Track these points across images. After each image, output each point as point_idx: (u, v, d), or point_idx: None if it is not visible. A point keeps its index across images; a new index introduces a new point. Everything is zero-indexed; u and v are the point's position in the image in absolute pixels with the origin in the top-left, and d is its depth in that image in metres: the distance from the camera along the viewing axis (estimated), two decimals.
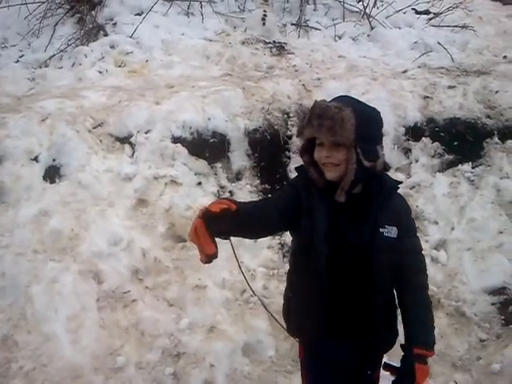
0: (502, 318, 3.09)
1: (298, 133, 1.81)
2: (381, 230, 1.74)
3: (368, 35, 5.50)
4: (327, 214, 1.73)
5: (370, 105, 1.82)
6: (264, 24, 5.39)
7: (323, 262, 1.73)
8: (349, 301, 1.76)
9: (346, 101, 1.72)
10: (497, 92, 4.21)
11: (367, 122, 1.71)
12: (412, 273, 1.81)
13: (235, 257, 3.06)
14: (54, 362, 2.57)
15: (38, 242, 2.97)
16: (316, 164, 1.75)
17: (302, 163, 1.83)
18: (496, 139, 3.98)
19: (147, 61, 4.72)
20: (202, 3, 5.57)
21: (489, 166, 3.86)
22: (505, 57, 5.02)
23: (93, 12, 5.39)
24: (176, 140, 3.72)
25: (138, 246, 3.10)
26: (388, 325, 1.86)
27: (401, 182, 1.90)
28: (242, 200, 3.76)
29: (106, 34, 5.15)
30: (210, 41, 5.22)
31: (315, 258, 1.74)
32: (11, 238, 2.96)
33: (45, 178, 3.34)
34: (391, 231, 1.75)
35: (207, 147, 3.81)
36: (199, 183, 3.61)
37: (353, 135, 1.65)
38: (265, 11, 5.39)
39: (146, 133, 3.69)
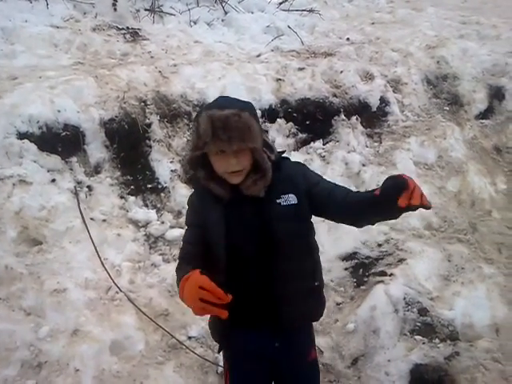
0: (354, 280, 3.29)
1: (197, 148, 1.67)
2: (277, 201, 1.73)
3: (222, 20, 5.56)
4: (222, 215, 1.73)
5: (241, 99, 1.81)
6: (115, 10, 5.19)
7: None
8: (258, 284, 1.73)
9: (233, 104, 1.67)
10: (341, 72, 4.51)
11: (258, 118, 1.74)
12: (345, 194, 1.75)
13: (97, 254, 2.96)
14: None
15: None
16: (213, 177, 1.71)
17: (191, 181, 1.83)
18: (342, 116, 4.27)
19: None
20: None
21: (337, 141, 4.13)
22: (348, 39, 5.40)
23: None
24: (22, 136, 3.44)
25: None
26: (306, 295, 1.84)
27: (284, 151, 1.89)
28: (104, 194, 3.65)
29: None
30: (58, 28, 4.89)
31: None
32: None
33: None
34: (289, 199, 1.74)
35: (59, 141, 3.57)
36: (53, 180, 3.39)
37: (260, 137, 1.67)
38: None
39: None
